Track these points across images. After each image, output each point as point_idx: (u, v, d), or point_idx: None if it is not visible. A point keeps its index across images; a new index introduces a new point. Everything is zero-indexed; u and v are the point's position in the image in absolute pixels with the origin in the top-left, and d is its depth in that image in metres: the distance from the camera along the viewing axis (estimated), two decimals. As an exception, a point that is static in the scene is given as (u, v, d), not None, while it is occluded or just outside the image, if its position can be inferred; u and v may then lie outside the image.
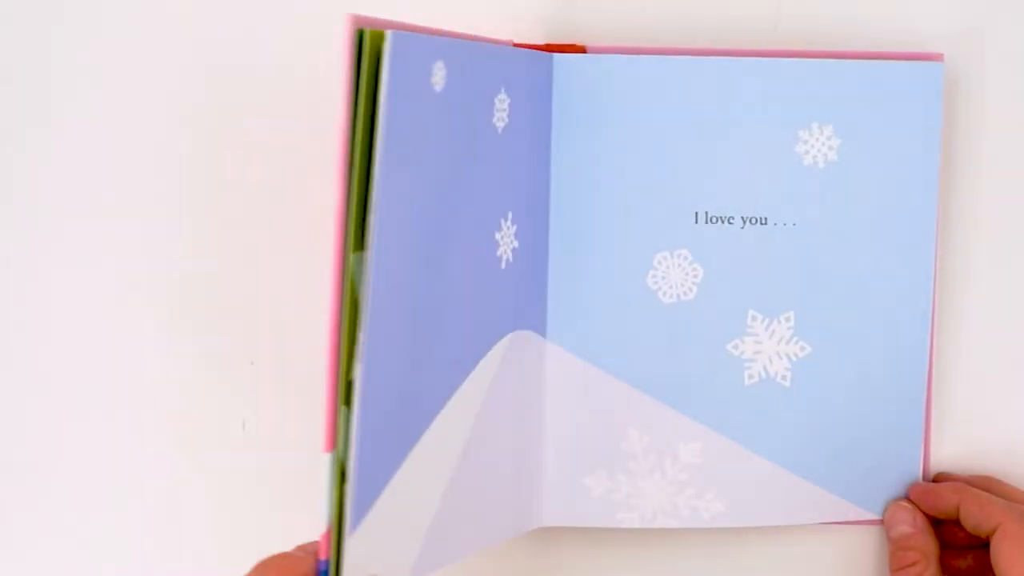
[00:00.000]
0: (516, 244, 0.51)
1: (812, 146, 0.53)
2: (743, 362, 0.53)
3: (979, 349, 0.57)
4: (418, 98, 0.43)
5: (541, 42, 0.53)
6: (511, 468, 0.52)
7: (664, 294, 0.53)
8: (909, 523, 0.54)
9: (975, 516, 0.52)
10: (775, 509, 0.54)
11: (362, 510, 0.42)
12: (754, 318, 0.53)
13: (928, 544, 0.53)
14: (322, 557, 0.42)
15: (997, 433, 0.57)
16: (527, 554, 0.56)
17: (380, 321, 0.42)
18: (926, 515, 0.54)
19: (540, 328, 0.53)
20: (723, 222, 0.53)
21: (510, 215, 0.50)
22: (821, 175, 0.53)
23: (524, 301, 0.52)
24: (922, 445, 0.54)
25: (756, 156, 0.53)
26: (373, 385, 0.42)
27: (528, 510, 0.53)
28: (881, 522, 0.55)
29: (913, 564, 0.53)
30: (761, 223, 0.53)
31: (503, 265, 0.50)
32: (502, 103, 0.49)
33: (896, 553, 0.54)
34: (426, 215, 0.45)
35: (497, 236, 0.50)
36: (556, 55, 0.52)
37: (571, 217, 0.52)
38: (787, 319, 0.53)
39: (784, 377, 0.53)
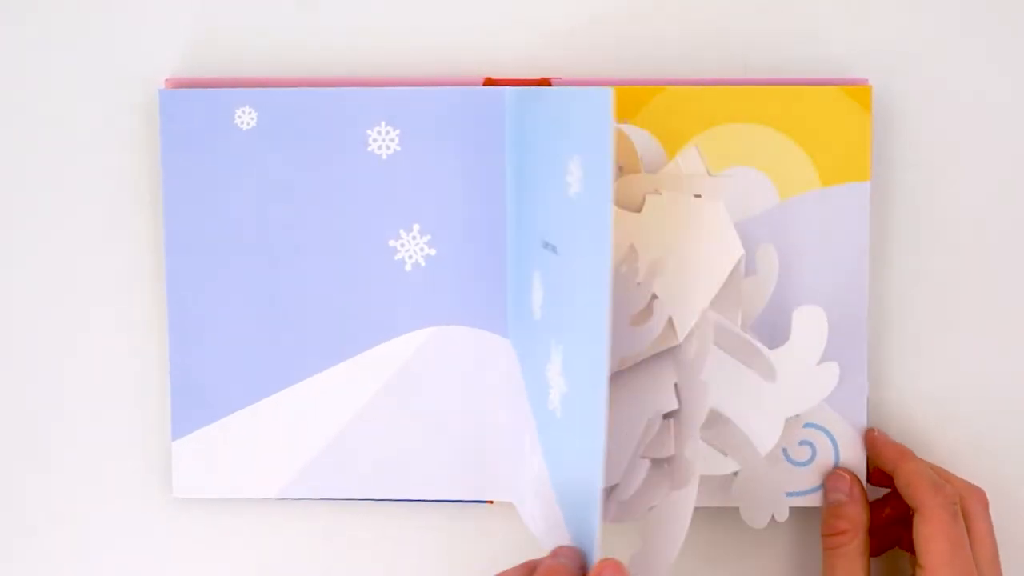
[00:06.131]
0: (431, 252, 0.60)
1: None
2: (548, 387, 0.54)
3: (915, 366, 0.62)
4: (223, 135, 0.59)
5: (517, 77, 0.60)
6: (462, 441, 0.60)
7: (534, 313, 0.57)
8: (845, 492, 0.58)
9: (904, 488, 0.56)
10: None
11: (186, 428, 0.60)
12: (554, 345, 0.53)
13: (859, 515, 0.57)
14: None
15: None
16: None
17: (178, 311, 0.60)
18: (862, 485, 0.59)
19: (502, 329, 0.60)
20: (549, 249, 0.54)
21: (416, 226, 0.60)
22: None
23: (454, 299, 0.60)
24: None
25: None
26: (179, 354, 0.60)
27: (492, 480, 0.60)
28: None
29: (842, 532, 0.57)
30: (553, 251, 0.53)
31: (408, 268, 0.60)
32: (382, 134, 0.59)
33: (828, 520, 0.58)
34: (258, 226, 0.59)
35: (394, 244, 0.60)
36: (507, 88, 0.59)
37: (516, 234, 0.59)
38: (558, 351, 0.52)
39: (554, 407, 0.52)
